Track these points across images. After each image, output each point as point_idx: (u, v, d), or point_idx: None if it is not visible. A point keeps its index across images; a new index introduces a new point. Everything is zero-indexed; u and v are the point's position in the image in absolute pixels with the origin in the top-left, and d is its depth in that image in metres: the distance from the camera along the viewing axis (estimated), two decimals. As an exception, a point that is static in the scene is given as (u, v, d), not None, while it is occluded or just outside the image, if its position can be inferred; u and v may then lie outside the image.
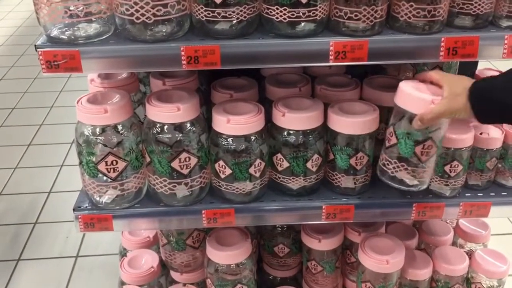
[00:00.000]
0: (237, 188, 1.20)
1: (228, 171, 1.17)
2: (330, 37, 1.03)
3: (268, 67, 1.08)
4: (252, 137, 1.16)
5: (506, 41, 1.03)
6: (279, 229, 1.54)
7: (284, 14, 1.01)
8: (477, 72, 1.58)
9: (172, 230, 1.41)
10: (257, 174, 1.19)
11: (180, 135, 1.13)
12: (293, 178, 1.23)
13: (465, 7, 1.05)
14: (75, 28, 0.99)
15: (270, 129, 1.21)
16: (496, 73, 1.59)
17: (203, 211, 1.20)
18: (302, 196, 1.26)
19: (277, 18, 1.02)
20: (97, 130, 1.12)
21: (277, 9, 1.01)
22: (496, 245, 1.70)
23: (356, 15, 1.01)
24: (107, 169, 1.13)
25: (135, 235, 1.67)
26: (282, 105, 1.20)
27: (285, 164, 1.21)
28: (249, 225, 1.42)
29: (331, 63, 1.03)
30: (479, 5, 1.04)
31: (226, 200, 1.22)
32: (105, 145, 1.12)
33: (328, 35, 1.04)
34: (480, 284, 1.51)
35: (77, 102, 1.14)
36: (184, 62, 1.00)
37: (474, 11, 1.05)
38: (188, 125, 1.14)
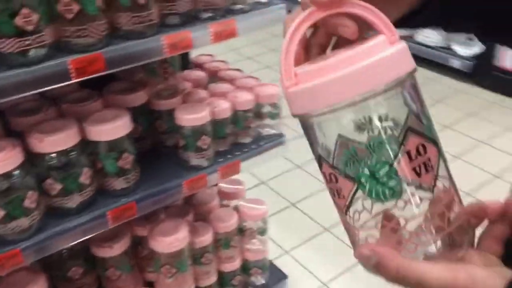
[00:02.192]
0: (16, 226, 1.17)
1: (1, 213, 1.13)
2: (66, 56, 1.09)
3: (9, 99, 1.08)
4: (14, 172, 1.14)
5: (210, 29, 1.27)
6: (65, 252, 1.53)
7: (12, 45, 1.03)
8: (193, 59, 1.85)
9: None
10: (33, 206, 1.19)
11: None
12: (70, 197, 1.26)
13: (171, 8, 1.25)
14: None
15: (32, 159, 1.21)
16: (209, 58, 1.88)
17: (-15, 263, 1.14)
18: (84, 210, 1.30)
19: (5, 50, 1.03)
20: None
21: (4, 41, 1.02)
22: (255, 194, 2.04)
23: (83, 33, 1.10)
24: None
25: None
26: (36, 132, 1.21)
27: (58, 186, 1.23)
28: (39, 259, 1.38)
29: (74, 81, 1.10)
30: (181, 5, 1.25)
31: (8, 242, 1.18)
32: None
33: (62, 56, 1.10)
34: (250, 229, 1.81)
35: None
36: None
37: (179, 11, 1.26)
38: None
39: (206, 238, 1.66)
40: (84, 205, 1.30)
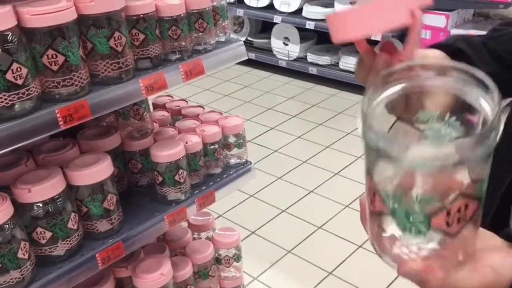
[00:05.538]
0: (10, 279, 1.17)
1: (-3, 266, 1.13)
2: (53, 106, 1.14)
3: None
4: (5, 225, 1.15)
5: (181, 69, 1.36)
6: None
7: (2, 100, 1.06)
8: (153, 100, 1.92)
9: None
10: (26, 256, 1.19)
11: None
12: (59, 244, 1.27)
13: (144, 53, 1.33)
14: None
15: (18, 210, 1.22)
16: (168, 98, 1.96)
17: (-16, 321, 1.12)
18: (73, 256, 1.31)
19: (-5, 105, 1.06)
20: None
21: (-5, 97, 1.06)
22: (223, 223, 2.10)
23: (68, 82, 1.15)
24: None
25: None
26: (21, 183, 1.22)
27: (48, 234, 1.25)
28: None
29: (62, 128, 1.15)
30: (153, 49, 1.34)
31: (4, 297, 1.17)
32: None
33: (49, 106, 1.14)
34: (226, 256, 1.87)
35: None
36: None
37: (150, 55, 1.34)
38: None
39: (186, 271, 1.70)
40: (73, 251, 1.31)
